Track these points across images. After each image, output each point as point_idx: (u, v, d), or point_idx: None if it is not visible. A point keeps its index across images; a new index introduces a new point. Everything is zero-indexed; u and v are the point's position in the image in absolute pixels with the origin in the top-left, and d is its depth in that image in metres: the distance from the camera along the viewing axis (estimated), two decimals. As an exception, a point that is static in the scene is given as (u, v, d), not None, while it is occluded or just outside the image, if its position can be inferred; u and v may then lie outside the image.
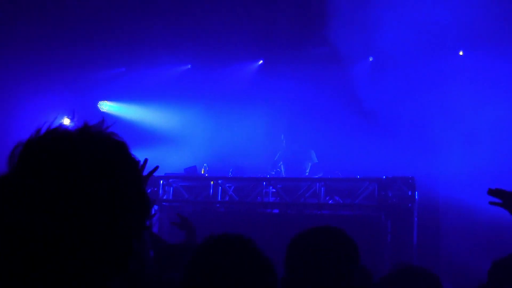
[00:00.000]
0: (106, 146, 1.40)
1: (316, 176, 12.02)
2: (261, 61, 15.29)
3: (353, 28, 12.19)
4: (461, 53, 13.57)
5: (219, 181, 11.70)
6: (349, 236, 2.68)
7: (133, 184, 1.40)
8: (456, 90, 12.47)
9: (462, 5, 11.32)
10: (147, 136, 14.94)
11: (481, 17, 11.35)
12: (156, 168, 3.11)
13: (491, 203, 3.56)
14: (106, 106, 15.68)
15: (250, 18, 13.05)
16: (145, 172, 3.06)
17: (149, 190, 11.66)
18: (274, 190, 11.40)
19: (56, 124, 1.46)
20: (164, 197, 11.73)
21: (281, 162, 12.63)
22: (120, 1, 13.10)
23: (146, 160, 2.98)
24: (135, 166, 1.44)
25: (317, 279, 2.53)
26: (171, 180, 11.91)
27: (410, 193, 10.49)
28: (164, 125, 15.26)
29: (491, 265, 3.21)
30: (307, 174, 12.45)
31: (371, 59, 14.09)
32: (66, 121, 3.23)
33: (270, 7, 12.98)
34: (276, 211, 11.44)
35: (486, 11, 11.23)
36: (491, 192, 3.51)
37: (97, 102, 15.57)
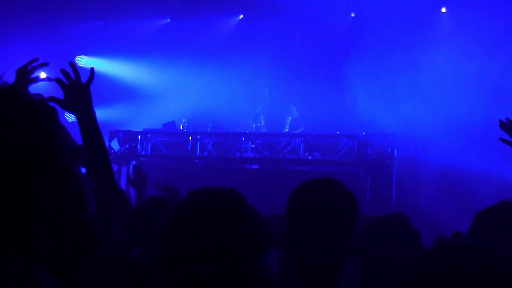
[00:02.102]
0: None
1: (297, 131, 12.03)
2: (241, 16, 15.14)
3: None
4: (443, 10, 13.54)
5: (198, 136, 11.65)
6: (348, 189, 2.66)
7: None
8: (438, 47, 12.47)
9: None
10: (126, 91, 14.82)
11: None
12: (92, 72, 3.01)
13: (502, 139, 3.55)
14: (84, 60, 15.47)
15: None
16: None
17: (127, 145, 11.61)
18: (253, 145, 11.39)
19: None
20: (143, 153, 11.67)
21: (262, 116, 12.61)
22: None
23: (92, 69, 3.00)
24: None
25: (319, 232, 2.52)
26: (149, 135, 11.84)
27: (389, 150, 10.53)
28: (143, 80, 15.11)
29: (474, 216, 3.22)
30: (287, 128, 12.45)
31: (353, 14, 14.01)
32: (42, 75, 3.17)
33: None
34: (255, 166, 11.45)
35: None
36: (503, 125, 3.48)
37: (75, 57, 15.35)
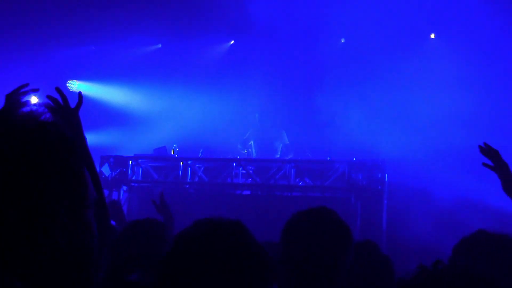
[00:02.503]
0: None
1: (287, 158, 12.05)
2: (232, 41, 15.22)
3: (326, 7, 12.20)
4: (432, 36, 13.65)
5: (189, 162, 11.65)
6: (342, 219, 2.72)
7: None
8: (429, 73, 12.56)
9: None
10: (117, 116, 14.82)
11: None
12: (81, 96, 3.03)
13: (484, 164, 3.59)
14: (75, 85, 15.48)
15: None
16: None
17: (118, 170, 11.59)
18: (244, 171, 11.39)
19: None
20: (133, 178, 11.65)
21: (251, 142, 12.62)
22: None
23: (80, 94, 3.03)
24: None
25: (314, 262, 2.55)
26: (140, 160, 11.82)
27: (380, 176, 10.56)
28: (134, 105, 15.13)
29: (454, 245, 3.27)
30: (278, 155, 12.47)
31: (343, 40, 14.11)
32: (33, 99, 3.16)
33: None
34: (246, 192, 11.44)
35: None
36: (482, 150, 3.52)
37: (66, 81, 15.36)
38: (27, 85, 3.27)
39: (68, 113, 2.91)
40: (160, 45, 15.45)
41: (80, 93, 3.03)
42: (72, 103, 3.05)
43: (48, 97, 2.94)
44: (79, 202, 1.44)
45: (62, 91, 2.98)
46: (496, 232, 3.09)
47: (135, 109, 15.03)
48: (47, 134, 1.47)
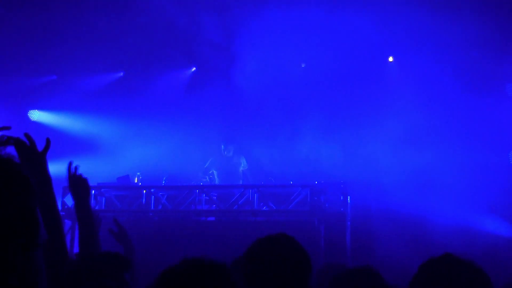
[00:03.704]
0: None
1: (248, 183, 12.10)
2: (194, 68, 15.28)
3: (283, 35, 12.35)
4: (390, 59, 13.87)
5: (152, 190, 11.63)
6: (300, 244, 2.81)
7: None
8: (388, 95, 12.74)
9: (389, 11, 11.59)
10: (79, 145, 14.71)
11: (409, 22, 11.65)
12: (48, 141, 3.13)
13: None
14: (36, 115, 15.37)
15: (182, 24, 12.99)
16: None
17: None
18: (207, 197, 11.40)
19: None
20: (97, 208, 11.56)
21: (212, 170, 12.65)
22: (49, 7, 12.84)
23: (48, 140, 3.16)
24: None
25: (276, 286, 2.64)
26: (103, 190, 11.76)
27: (342, 198, 10.66)
28: (96, 134, 15.05)
29: (422, 263, 3.31)
30: (241, 181, 12.51)
31: (303, 65, 14.25)
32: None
33: (203, 13, 12.96)
34: (211, 218, 11.44)
35: (414, 16, 11.53)
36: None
37: (27, 111, 15.25)
38: (8, 128, 3.32)
39: (35, 155, 2.96)
40: (122, 73, 15.43)
41: (47, 138, 3.12)
42: (32, 134, 3.12)
43: (16, 140, 3.00)
44: (30, 242, 1.47)
45: (30, 136, 3.07)
46: (463, 257, 3.14)
47: (98, 138, 14.95)
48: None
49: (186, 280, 2.12)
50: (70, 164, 4.06)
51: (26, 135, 3.10)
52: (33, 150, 3.02)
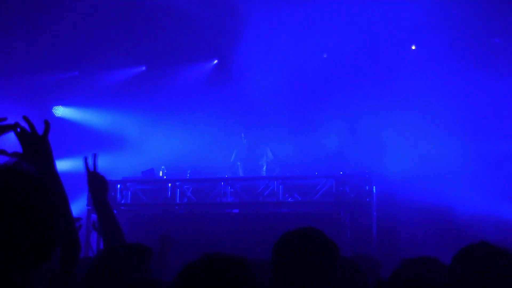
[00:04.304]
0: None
1: (274, 174, 12.08)
2: (216, 61, 15.27)
3: (304, 26, 12.30)
4: (413, 47, 13.76)
5: (177, 183, 11.65)
6: (328, 237, 2.87)
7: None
8: (412, 84, 12.64)
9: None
10: (104, 140, 14.78)
11: (434, 11, 11.56)
12: (47, 124, 3.11)
13: None
14: (61, 110, 15.48)
15: (204, 18, 13.00)
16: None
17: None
18: (232, 190, 11.41)
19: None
20: (122, 202, 11.63)
21: (238, 162, 12.65)
22: (71, 3, 12.91)
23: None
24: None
25: (304, 279, 2.69)
26: (128, 184, 11.82)
27: (367, 188, 10.61)
28: (120, 129, 15.11)
29: (456, 253, 3.27)
30: (264, 171, 12.49)
31: (325, 55, 14.17)
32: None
33: (224, 6, 12.94)
34: (235, 211, 11.45)
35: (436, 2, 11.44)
36: None
37: (51, 107, 15.36)
38: (4, 119, 3.36)
39: (36, 140, 2.95)
40: (144, 68, 15.47)
41: (46, 120, 3.08)
42: (56, 130, 3.11)
43: (15, 124, 2.99)
44: (44, 250, 1.49)
45: (29, 119, 3.05)
46: (498, 245, 3.11)
47: (122, 133, 15.01)
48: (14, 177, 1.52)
49: (205, 276, 2.17)
50: (86, 159, 4.05)
51: (25, 118, 3.08)
52: (33, 134, 3.02)
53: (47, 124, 3.05)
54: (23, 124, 3.01)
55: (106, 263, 3.67)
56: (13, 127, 2.95)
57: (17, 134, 3.00)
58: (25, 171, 1.53)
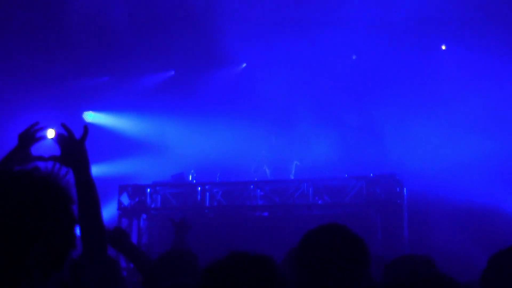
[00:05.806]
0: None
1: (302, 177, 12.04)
2: (244, 64, 15.26)
3: (332, 27, 12.24)
4: (443, 47, 13.62)
5: (207, 187, 11.67)
6: (355, 233, 2.75)
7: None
8: (440, 85, 12.52)
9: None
10: (133, 145, 14.86)
11: (463, 10, 11.43)
12: (86, 129, 3.13)
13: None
14: (91, 116, 15.59)
15: (232, 22, 13.01)
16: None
17: (136, 199, 11.62)
18: (262, 193, 11.39)
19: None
20: (152, 206, 11.67)
21: (265, 166, 12.62)
22: (99, 10, 13.02)
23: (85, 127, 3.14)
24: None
25: (330, 277, 2.58)
26: (158, 188, 11.86)
27: (398, 189, 10.53)
28: (149, 133, 15.17)
29: (491, 256, 3.17)
30: (292, 175, 12.44)
31: (354, 57, 14.10)
32: (51, 133, 3.24)
33: (252, 9, 12.94)
34: (265, 213, 11.43)
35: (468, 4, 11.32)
36: None
37: (82, 113, 15.48)
38: (37, 123, 3.46)
39: (74, 145, 3.03)
40: (173, 72, 15.53)
41: (85, 125, 3.16)
42: (89, 135, 3.17)
43: (56, 132, 3.08)
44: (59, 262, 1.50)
45: (67, 126, 3.12)
46: None
47: (151, 137, 15.07)
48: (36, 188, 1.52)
49: (230, 273, 2.15)
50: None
51: (63, 125, 3.14)
52: (71, 139, 3.06)
53: (85, 130, 3.11)
54: (60, 130, 3.10)
55: (163, 268, 3.75)
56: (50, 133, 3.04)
57: (56, 140, 3.07)
58: (43, 175, 1.52)
